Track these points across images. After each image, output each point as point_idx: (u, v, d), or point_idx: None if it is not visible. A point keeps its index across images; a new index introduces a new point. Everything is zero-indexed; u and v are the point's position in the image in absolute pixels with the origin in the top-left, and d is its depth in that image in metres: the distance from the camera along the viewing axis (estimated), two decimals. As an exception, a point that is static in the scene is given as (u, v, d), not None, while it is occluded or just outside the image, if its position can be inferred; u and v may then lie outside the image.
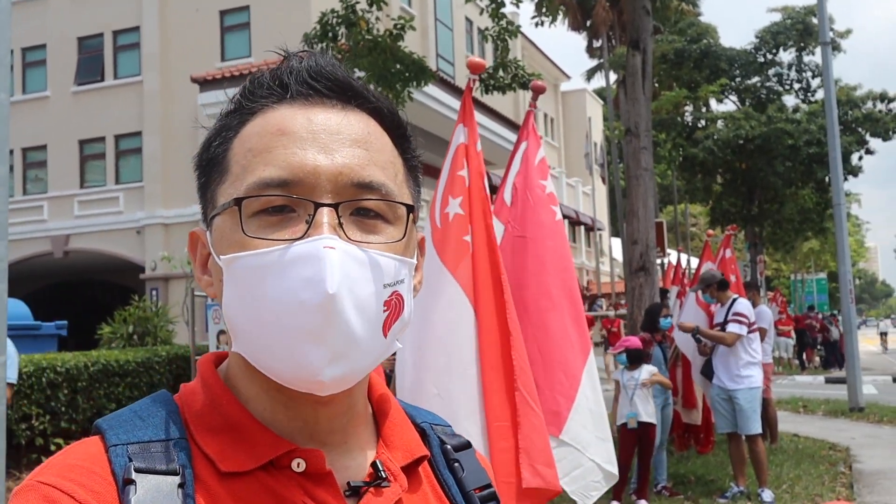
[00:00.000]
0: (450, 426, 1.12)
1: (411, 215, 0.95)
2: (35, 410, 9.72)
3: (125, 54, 24.89)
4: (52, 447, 10.01)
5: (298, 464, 0.90)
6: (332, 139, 0.91)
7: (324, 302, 0.83)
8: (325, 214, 0.87)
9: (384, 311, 0.89)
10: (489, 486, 1.06)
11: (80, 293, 26.64)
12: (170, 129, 23.06)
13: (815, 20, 29.15)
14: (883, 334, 47.01)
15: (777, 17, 34.88)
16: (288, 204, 0.88)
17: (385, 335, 0.90)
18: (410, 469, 0.99)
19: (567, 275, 4.31)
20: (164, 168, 23.07)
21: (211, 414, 0.92)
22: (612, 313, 22.38)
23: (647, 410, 7.84)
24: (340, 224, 0.87)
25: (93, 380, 10.55)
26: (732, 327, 8.16)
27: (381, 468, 0.95)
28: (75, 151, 24.99)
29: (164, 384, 11.50)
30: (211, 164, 0.96)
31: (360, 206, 0.90)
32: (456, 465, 1.04)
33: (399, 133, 1.00)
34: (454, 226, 3.75)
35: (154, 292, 22.01)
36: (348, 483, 0.93)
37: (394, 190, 0.93)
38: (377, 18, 11.46)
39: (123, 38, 24.93)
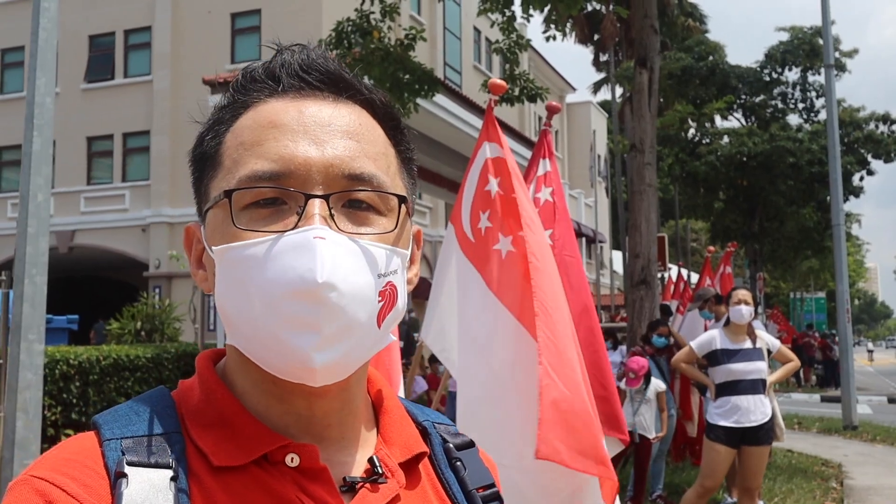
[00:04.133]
0: (453, 425, 1.11)
1: (404, 206, 0.94)
2: (48, 401, 9.88)
3: (136, 53, 25.08)
4: (63, 437, 10.17)
5: (292, 458, 0.89)
6: (323, 131, 0.91)
7: (314, 291, 0.83)
8: (316, 206, 0.87)
9: (379, 301, 0.89)
10: (492, 485, 1.05)
11: (84, 289, 26.72)
12: (178, 129, 23.23)
13: (821, 41, 29.38)
14: (870, 351, 59.59)
15: (784, 36, 35.13)
16: (279, 196, 0.89)
17: (379, 326, 0.90)
18: (409, 466, 0.98)
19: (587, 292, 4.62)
20: (171, 167, 23.22)
21: (206, 409, 0.92)
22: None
23: (648, 424, 8.02)
24: (332, 215, 0.87)
25: (104, 373, 10.71)
26: None
27: (377, 464, 0.94)
28: (83, 148, 25.15)
29: (173, 380, 11.66)
30: (204, 158, 0.96)
31: (351, 198, 0.90)
32: (458, 463, 1.03)
33: (392, 124, 1.00)
34: (487, 238, 3.91)
35: (157, 290, 22.14)
36: (344, 478, 0.92)
37: (385, 181, 0.92)
38: (389, 28, 11.67)
39: (135, 38, 25.12)
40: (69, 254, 24.50)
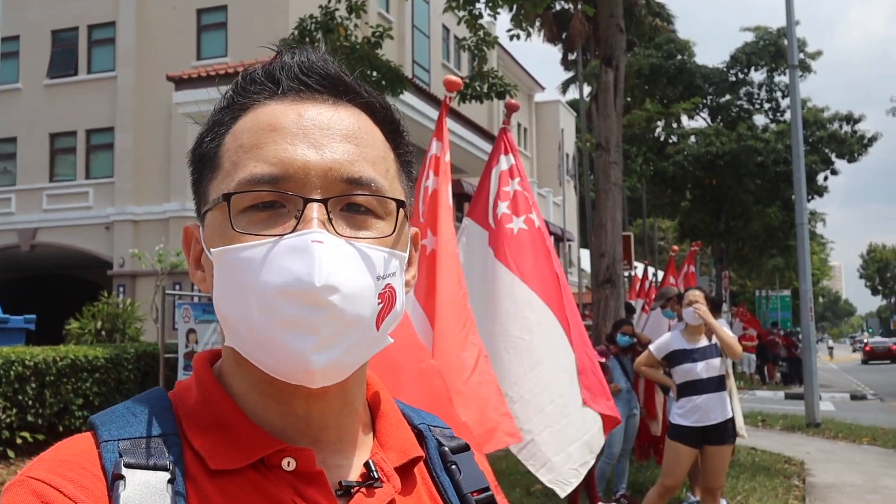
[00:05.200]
0: (448, 428, 1.11)
1: (402, 210, 0.94)
2: (2, 403, 9.71)
3: (100, 49, 24.74)
4: (18, 440, 9.99)
5: (289, 462, 0.89)
6: (322, 134, 0.91)
7: (312, 294, 0.83)
8: (315, 210, 0.87)
9: (378, 303, 0.89)
10: (487, 489, 1.05)
11: (47, 287, 26.40)
12: (143, 126, 22.98)
13: (786, 42, 29.70)
14: (830, 348, 63.83)
15: (749, 36, 35.44)
16: (278, 199, 0.88)
17: (377, 328, 0.90)
18: (405, 470, 0.98)
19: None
20: (135, 164, 22.96)
21: (203, 411, 0.92)
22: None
23: None
24: (330, 219, 0.87)
25: (61, 374, 10.53)
26: None
27: (373, 468, 0.94)
28: (46, 145, 24.78)
29: (133, 381, 11.50)
30: (203, 160, 0.96)
31: (350, 202, 0.90)
32: (453, 467, 1.03)
33: (392, 128, 1.00)
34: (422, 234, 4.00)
35: (121, 289, 21.88)
36: (340, 482, 0.92)
37: (384, 185, 0.92)
38: (356, 25, 11.58)
39: (98, 33, 24.79)
40: (32, 251, 24.19)
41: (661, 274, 21.19)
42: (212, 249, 0.90)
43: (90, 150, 24.57)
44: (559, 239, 35.12)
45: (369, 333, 0.89)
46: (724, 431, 6.52)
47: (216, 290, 0.90)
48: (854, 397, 25.14)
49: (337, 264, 0.85)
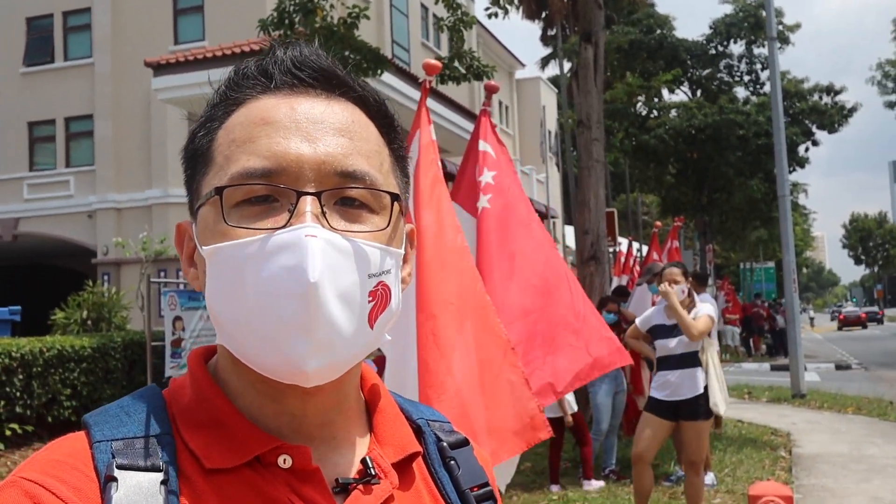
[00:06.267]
0: (448, 422, 1.10)
1: (397, 205, 0.93)
2: (-11, 396, 9.69)
3: (76, 36, 24.49)
4: (7, 432, 9.98)
5: (285, 460, 0.88)
6: (315, 128, 0.90)
7: (306, 291, 0.82)
8: (308, 203, 0.86)
9: (369, 301, 0.88)
10: (486, 484, 1.04)
11: (30, 277, 26.26)
12: (122, 113, 22.81)
13: (764, 13, 29.71)
14: (811, 318, 66.79)
15: (728, 8, 35.44)
16: (270, 193, 0.88)
17: (371, 326, 0.89)
18: (403, 466, 0.97)
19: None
20: (116, 152, 22.80)
21: (197, 409, 0.91)
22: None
23: (571, 399, 8.21)
24: (323, 213, 0.86)
25: (48, 365, 10.51)
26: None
27: (370, 465, 0.93)
28: (24, 134, 24.57)
29: (120, 370, 11.48)
30: (196, 155, 0.95)
31: (343, 196, 0.89)
32: (452, 462, 1.02)
33: (385, 122, 0.99)
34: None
35: (106, 277, 21.79)
36: (337, 479, 0.91)
37: (378, 179, 0.91)
38: (331, 6, 11.49)
39: (74, 20, 24.53)
40: (14, 242, 24.04)
41: (645, 249, 21.27)
42: (203, 247, 0.89)
43: (70, 139, 24.37)
44: (543, 216, 35.13)
45: (363, 332, 0.88)
46: (695, 407, 6.57)
47: (208, 288, 0.89)
48: (839, 367, 25.39)
49: (330, 259, 0.84)
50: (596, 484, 8.51)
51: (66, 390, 10.71)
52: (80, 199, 23.38)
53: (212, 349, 0.99)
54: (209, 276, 0.89)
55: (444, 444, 1.04)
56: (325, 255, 0.83)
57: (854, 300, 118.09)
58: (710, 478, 8.33)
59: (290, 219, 0.85)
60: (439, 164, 3.92)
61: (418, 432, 1.04)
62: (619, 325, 8.93)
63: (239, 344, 0.88)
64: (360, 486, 0.91)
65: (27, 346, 10.36)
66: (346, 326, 0.85)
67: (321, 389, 0.89)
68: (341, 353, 0.87)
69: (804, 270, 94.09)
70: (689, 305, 6.65)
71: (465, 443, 1.07)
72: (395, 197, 0.93)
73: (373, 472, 0.93)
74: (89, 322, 13.74)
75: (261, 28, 11.12)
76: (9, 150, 24.27)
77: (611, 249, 17.43)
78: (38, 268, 26.62)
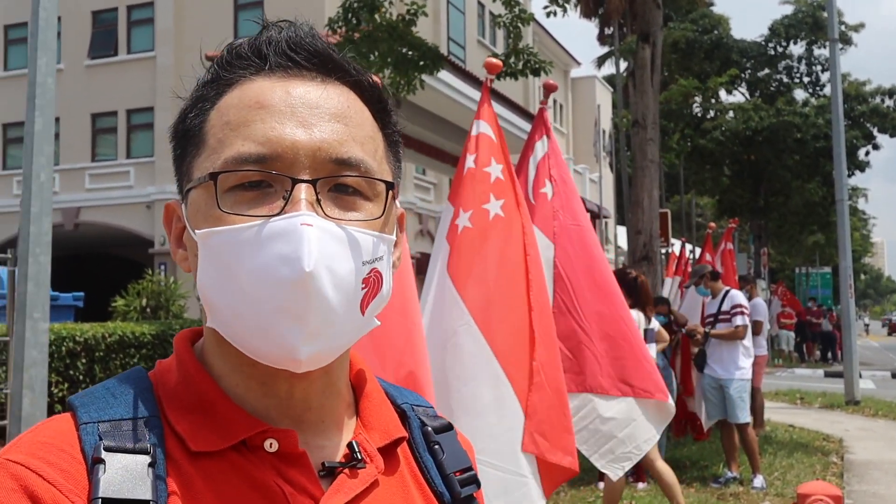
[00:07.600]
0: (431, 407, 1.09)
1: (390, 192, 0.92)
2: (54, 378, 9.98)
3: (139, 29, 25.04)
4: (69, 414, 10.28)
5: (271, 444, 0.88)
6: (311, 113, 0.89)
7: (301, 279, 0.82)
8: (303, 191, 0.85)
9: (362, 288, 0.88)
10: (470, 468, 1.05)
11: (90, 266, 26.84)
12: (182, 105, 23.21)
13: (826, 14, 29.23)
14: (866, 325, 67.37)
15: (788, 9, 34.90)
16: (265, 179, 0.86)
17: (363, 313, 0.89)
18: (388, 450, 0.97)
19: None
20: (175, 144, 23.24)
21: (184, 392, 0.91)
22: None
23: None
24: (318, 200, 0.86)
25: (109, 350, 10.80)
26: (738, 319, 8.42)
27: (356, 449, 0.93)
28: (87, 125, 25.19)
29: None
30: (187, 135, 0.94)
31: (338, 183, 0.88)
32: (436, 447, 1.03)
33: (380, 107, 0.98)
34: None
35: (162, 267, 22.22)
36: (323, 463, 0.91)
37: (373, 166, 0.91)
38: (391, 2, 11.60)
39: (137, 14, 25.08)
40: (75, 230, 24.59)
41: (698, 251, 21.07)
42: (197, 231, 0.88)
43: (130, 130, 24.93)
44: (595, 216, 34.99)
45: (355, 318, 0.88)
46: None
47: (200, 272, 0.88)
48: (895, 375, 24.90)
49: (326, 248, 0.84)
50: (642, 485, 8.51)
51: (126, 375, 10.99)
52: (140, 189, 23.89)
53: (198, 331, 0.98)
54: (201, 259, 0.88)
55: (429, 428, 1.04)
56: (320, 244, 0.83)
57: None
58: (759, 481, 8.30)
59: (284, 206, 0.85)
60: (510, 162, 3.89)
61: (403, 417, 1.03)
62: (670, 327, 8.91)
63: (232, 329, 0.87)
64: (346, 471, 0.91)
65: (90, 331, 10.66)
66: (340, 314, 0.86)
67: (309, 374, 0.89)
68: (333, 340, 0.87)
69: (862, 277, 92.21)
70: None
71: (448, 427, 1.07)
72: (389, 184, 0.92)
73: (359, 457, 0.93)
74: (148, 310, 14.08)
75: (328, 26, 11.26)
76: (73, 140, 24.85)
77: (663, 250, 17.35)
78: (98, 256, 27.17)
